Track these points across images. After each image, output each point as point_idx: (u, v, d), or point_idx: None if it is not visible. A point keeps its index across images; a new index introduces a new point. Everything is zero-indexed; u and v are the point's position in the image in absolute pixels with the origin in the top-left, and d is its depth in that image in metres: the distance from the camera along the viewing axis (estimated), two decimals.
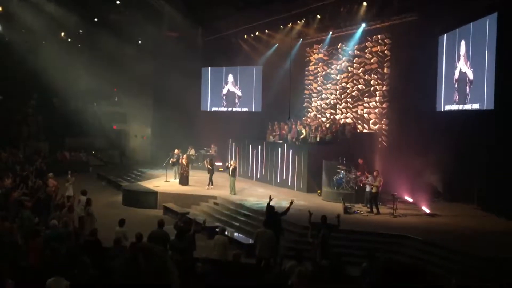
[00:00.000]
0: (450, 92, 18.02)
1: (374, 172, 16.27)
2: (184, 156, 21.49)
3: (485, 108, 15.49)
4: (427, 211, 15.87)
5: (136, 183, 22.51)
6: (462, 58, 17.15)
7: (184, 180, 20.81)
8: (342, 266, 9.11)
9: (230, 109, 28.10)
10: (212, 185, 20.21)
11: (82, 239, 10.95)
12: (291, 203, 12.62)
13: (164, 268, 1.51)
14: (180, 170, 21.14)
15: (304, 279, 7.42)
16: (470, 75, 16.62)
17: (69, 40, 29.73)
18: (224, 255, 10.17)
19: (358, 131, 21.65)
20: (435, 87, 18.82)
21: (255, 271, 9.29)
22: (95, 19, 27.70)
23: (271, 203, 12.58)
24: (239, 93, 27.83)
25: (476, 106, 16.15)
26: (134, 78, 29.33)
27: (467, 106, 16.74)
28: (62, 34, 29.04)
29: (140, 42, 29.36)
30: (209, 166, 20.28)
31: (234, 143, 24.40)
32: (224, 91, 28.40)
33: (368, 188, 16.27)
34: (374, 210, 15.90)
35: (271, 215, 12.22)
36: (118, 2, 25.84)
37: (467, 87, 16.91)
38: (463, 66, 17.14)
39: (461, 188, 17.48)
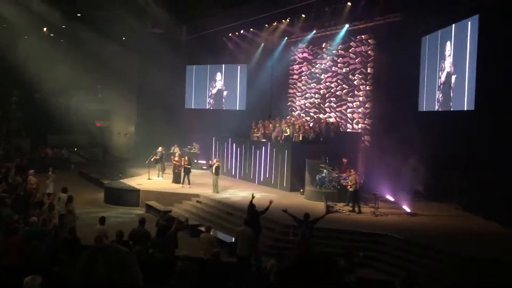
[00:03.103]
0: (432, 93, 18.22)
1: (347, 172, 16.43)
2: (177, 154, 21.38)
3: (465, 109, 15.69)
4: (408, 210, 16.01)
5: (118, 180, 22.33)
6: (449, 58, 17.34)
7: (177, 178, 20.68)
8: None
9: (216, 108, 28.08)
10: (189, 184, 19.92)
11: (62, 237, 10.84)
12: (270, 202, 12.65)
13: (125, 275, 1.43)
14: (173, 169, 21.02)
15: None
16: (452, 76, 16.82)
17: (52, 35, 29.35)
18: (211, 253, 10.14)
19: (342, 130, 21.77)
20: (417, 87, 19.01)
21: (235, 269, 9.28)
22: (78, 15, 27.38)
23: (253, 202, 12.63)
24: (226, 94, 27.88)
25: (457, 107, 16.35)
26: (118, 75, 29.09)
27: (449, 107, 16.95)
28: (45, 29, 28.66)
29: (124, 38, 29.10)
30: (186, 165, 20.14)
31: (217, 142, 24.34)
32: (214, 90, 28.35)
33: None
34: (356, 209, 16.00)
35: (252, 214, 12.25)
36: None
37: (449, 88, 17.11)
38: (445, 67, 17.35)
39: (441, 188, 17.67)
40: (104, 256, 1.66)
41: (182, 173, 20.11)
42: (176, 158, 20.94)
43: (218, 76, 28.18)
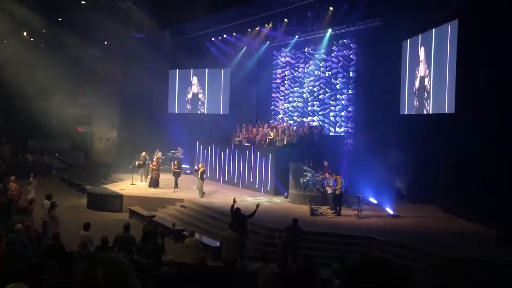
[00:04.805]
0: (413, 96, 18.47)
1: (333, 175, 16.56)
2: (155, 158, 21.29)
3: (446, 111, 15.94)
4: (391, 212, 16.18)
5: (101, 186, 22.13)
6: (422, 63, 17.64)
7: (154, 183, 20.60)
8: (313, 268, 9.15)
9: (196, 112, 28.03)
10: (177, 188, 20.02)
11: (45, 244, 10.70)
12: (258, 206, 12.68)
13: (124, 282, 1.48)
14: (151, 173, 20.94)
15: (270, 283, 7.43)
16: (431, 80, 17.08)
17: (32, 40, 28.99)
18: (196, 257, 10.10)
19: (325, 133, 21.92)
20: (399, 91, 19.26)
21: (221, 273, 9.27)
22: (59, 19, 27.10)
23: (239, 206, 12.63)
24: (202, 97, 27.85)
25: (437, 110, 16.60)
26: (100, 79, 28.83)
27: (429, 110, 17.19)
28: (25, 33, 28.29)
29: (106, 43, 28.88)
30: (175, 169, 20.12)
31: (201, 146, 24.31)
32: (189, 96, 28.32)
33: (330, 190, 16.51)
34: (338, 209, 16.12)
35: (238, 218, 12.24)
36: (83, 2, 25.35)
37: (423, 92, 17.38)
38: (423, 72, 17.61)
39: (423, 190, 17.91)
40: (103, 267, 1.67)
41: (173, 177, 20.10)
42: (154, 163, 20.88)
43: (194, 80, 28.16)
